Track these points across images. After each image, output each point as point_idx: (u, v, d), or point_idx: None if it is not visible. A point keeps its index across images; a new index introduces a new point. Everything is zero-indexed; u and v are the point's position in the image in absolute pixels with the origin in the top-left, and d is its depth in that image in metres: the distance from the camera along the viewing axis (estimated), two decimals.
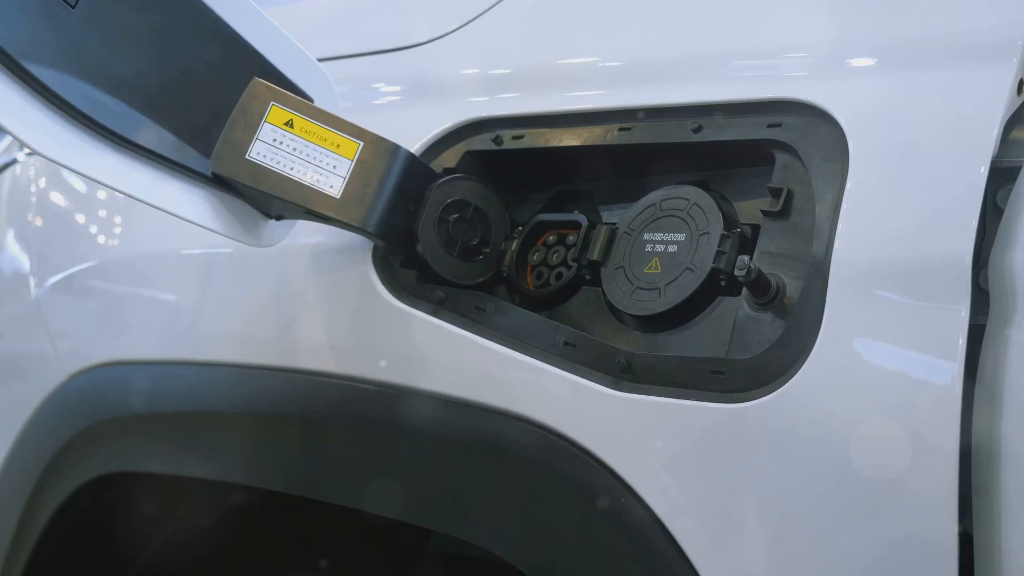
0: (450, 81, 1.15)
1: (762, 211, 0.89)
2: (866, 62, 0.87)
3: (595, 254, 0.98)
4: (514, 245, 1.06)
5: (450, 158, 1.08)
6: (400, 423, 1.06)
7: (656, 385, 0.88)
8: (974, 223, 0.75)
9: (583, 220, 1.01)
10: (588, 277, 1.00)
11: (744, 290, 0.86)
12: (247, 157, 0.99)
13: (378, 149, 1.02)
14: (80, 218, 1.54)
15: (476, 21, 1.15)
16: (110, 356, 1.37)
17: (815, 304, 0.81)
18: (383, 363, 1.07)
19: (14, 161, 1.69)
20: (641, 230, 0.96)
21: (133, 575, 1.52)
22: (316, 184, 1.00)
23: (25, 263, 1.59)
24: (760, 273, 0.84)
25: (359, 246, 1.09)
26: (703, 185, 0.95)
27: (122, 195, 0.98)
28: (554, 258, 1.02)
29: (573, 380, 0.92)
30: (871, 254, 0.79)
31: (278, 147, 1.00)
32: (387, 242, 1.05)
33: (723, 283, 0.90)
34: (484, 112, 1.08)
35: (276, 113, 1.00)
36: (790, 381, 0.80)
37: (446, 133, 1.09)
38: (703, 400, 0.85)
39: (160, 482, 1.34)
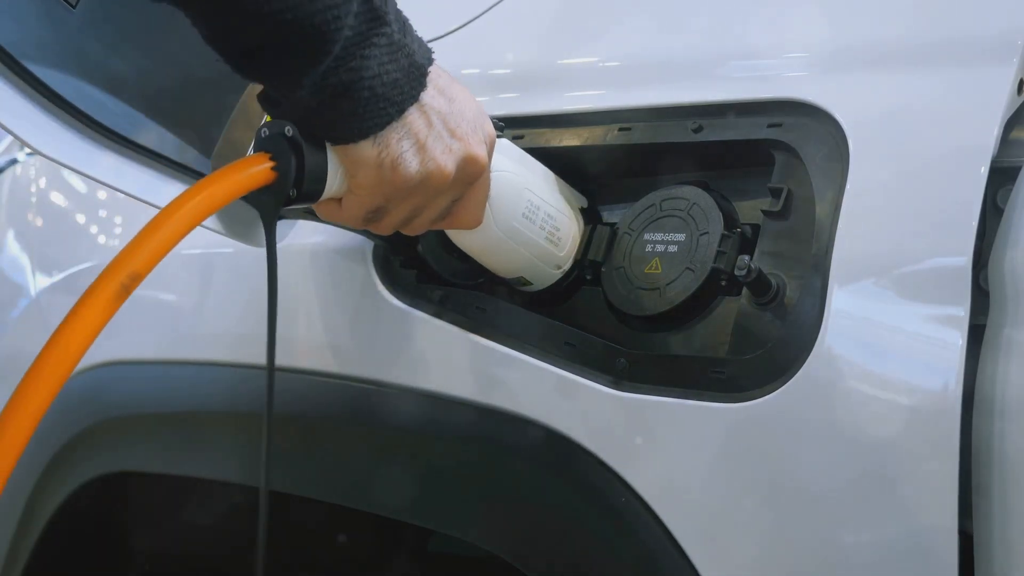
0: None
1: (762, 211, 0.89)
2: (866, 62, 0.87)
3: (595, 254, 0.98)
4: None
5: None
6: (400, 423, 1.06)
7: (656, 385, 0.88)
8: (974, 223, 0.75)
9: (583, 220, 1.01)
10: (588, 277, 1.00)
11: (744, 290, 0.86)
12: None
13: None
14: (80, 218, 1.54)
15: (476, 21, 1.15)
16: (110, 356, 1.37)
17: (815, 304, 0.81)
18: (383, 363, 1.07)
19: (14, 161, 1.69)
20: (641, 230, 0.96)
21: (133, 575, 1.53)
22: None
23: (25, 263, 1.59)
24: (760, 273, 0.84)
25: (359, 246, 1.09)
26: (703, 185, 0.95)
27: (122, 195, 0.98)
28: None
29: (573, 380, 0.93)
30: (871, 254, 0.79)
31: None
32: (387, 242, 1.05)
33: (723, 283, 0.90)
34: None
35: None
36: (790, 381, 0.80)
37: None
38: (703, 400, 0.85)
39: (160, 482, 1.34)
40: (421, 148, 0.81)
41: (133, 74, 0.98)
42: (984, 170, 0.76)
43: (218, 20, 0.75)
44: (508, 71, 1.11)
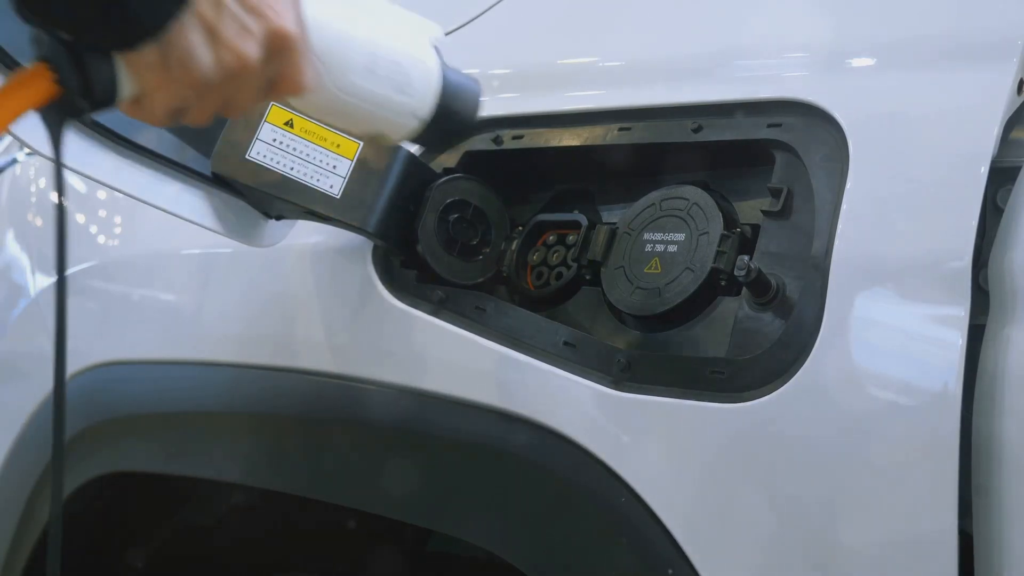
0: None
1: (762, 211, 0.89)
2: (866, 62, 0.87)
3: (595, 254, 0.98)
4: (514, 245, 1.06)
5: (450, 158, 1.08)
6: (400, 423, 1.06)
7: (656, 385, 0.88)
8: (974, 223, 0.75)
9: (583, 220, 1.01)
10: (588, 277, 1.00)
11: (744, 290, 0.86)
12: (247, 157, 0.99)
13: (378, 149, 1.02)
14: (80, 218, 1.54)
15: (476, 21, 1.15)
16: (110, 356, 1.37)
17: (815, 304, 0.81)
18: (383, 363, 1.07)
19: (14, 161, 1.69)
20: (641, 230, 0.96)
21: (133, 575, 1.52)
22: (316, 184, 1.00)
23: (25, 263, 1.59)
24: (760, 273, 0.84)
25: (359, 246, 1.09)
26: (703, 185, 0.95)
27: (122, 195, 0.98)
28: (554, 258, 1.02)
29: (573, 380, 0.92)
30: (871, 254, 0.79)
31: (278, 147, 1.00)
32: (387, 242, 1.05)
33: (723, 283, 0.90)
34: (484, 112, 1.08)
35: (276, 113, 1.00)
36: (790, 381, 0.80)
37: None
38: (703, 400, 0.85)
39: (160, 482, 1.34)
40: (214, 38, 0.69)
41: None
42: (984, 170, 0.76)
43: None
44: (508, 71, 1.11)
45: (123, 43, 0.68)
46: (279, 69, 0.75)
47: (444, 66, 0.88)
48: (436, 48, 0.88)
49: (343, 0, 0.84)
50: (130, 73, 0.70)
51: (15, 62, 0.89)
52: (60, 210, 0.72)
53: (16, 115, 0.68)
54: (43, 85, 0.68)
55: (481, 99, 0.92)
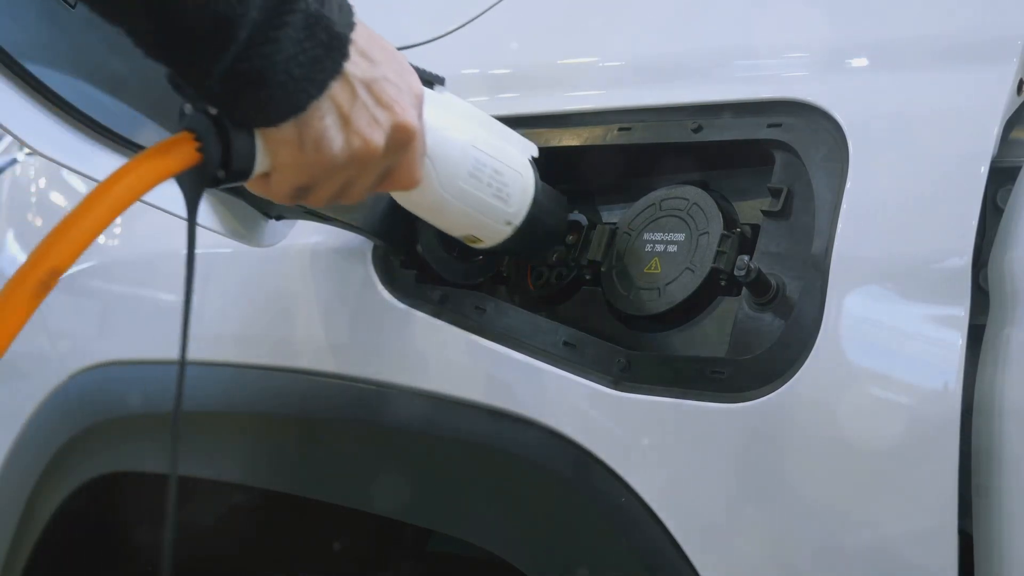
0: (450, 81, 1.15)
1: (762, 211, 0.89)
2: (866, 62, 0.87)
3: (595, 254, 0.98)
4: None
5: None
6: (400, 423, 1.06)
7: (656, 385, 0.88)
8: (974, 223, 0.75)
9: (583, 220, 1.01)
10: (588, 277, 1.00)
11: (744, 290, 0.86)
12: None
13: None
14: None
15: (476, 21, 1.15)
16: (110, 356, 1.37)
17: (815, 304, 0.81)
18: (383, 363, 1.07)
19: (14, 161, 1.69)
20: (641, 230, 0.96)
21: (133, 575, 1.52)
22: None
23: None
24: (760, 273, 0.84)
25: (359, 246, 1.09)
26: (703, 185, 0.95)
27: None
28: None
29: (573, 380, 0.92)
30: (871, 254, 0.79)
31: None
32: (387, 242, 1.05)
33: (723, 283, 0.90)
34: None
35: None
36: (790, 381, 0.80)
37: None
38: (703, 400, 0.85)
39: (160, 482, 1.34)
40: (346, 123, 0.75)
41: (133, 74, 0.98)
42: (984, 170, 0.76)
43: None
44: (508, 71, 1.11)
45: (266, 120, 0.73)
46: (397, 161, 0.82)
47: (537, 179, 0.96)
48: (532, 163, 0.96)
49: (455, 110, 0.91)
50: (266, 149, 0.75)
51: (16, 63, 0.89)
52: (189, 270, 0.80)
53: (161, 177, 0.71)
54: (187, 153, 0.72)
55: (568, 215, 1.00)
